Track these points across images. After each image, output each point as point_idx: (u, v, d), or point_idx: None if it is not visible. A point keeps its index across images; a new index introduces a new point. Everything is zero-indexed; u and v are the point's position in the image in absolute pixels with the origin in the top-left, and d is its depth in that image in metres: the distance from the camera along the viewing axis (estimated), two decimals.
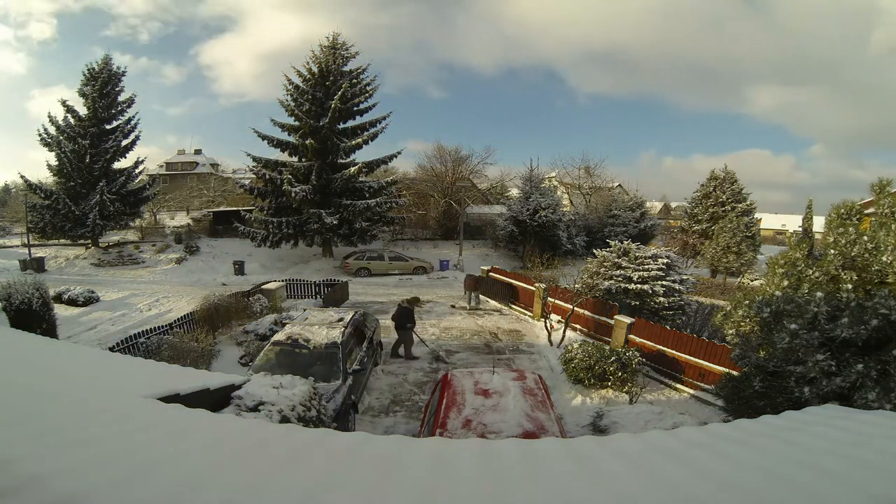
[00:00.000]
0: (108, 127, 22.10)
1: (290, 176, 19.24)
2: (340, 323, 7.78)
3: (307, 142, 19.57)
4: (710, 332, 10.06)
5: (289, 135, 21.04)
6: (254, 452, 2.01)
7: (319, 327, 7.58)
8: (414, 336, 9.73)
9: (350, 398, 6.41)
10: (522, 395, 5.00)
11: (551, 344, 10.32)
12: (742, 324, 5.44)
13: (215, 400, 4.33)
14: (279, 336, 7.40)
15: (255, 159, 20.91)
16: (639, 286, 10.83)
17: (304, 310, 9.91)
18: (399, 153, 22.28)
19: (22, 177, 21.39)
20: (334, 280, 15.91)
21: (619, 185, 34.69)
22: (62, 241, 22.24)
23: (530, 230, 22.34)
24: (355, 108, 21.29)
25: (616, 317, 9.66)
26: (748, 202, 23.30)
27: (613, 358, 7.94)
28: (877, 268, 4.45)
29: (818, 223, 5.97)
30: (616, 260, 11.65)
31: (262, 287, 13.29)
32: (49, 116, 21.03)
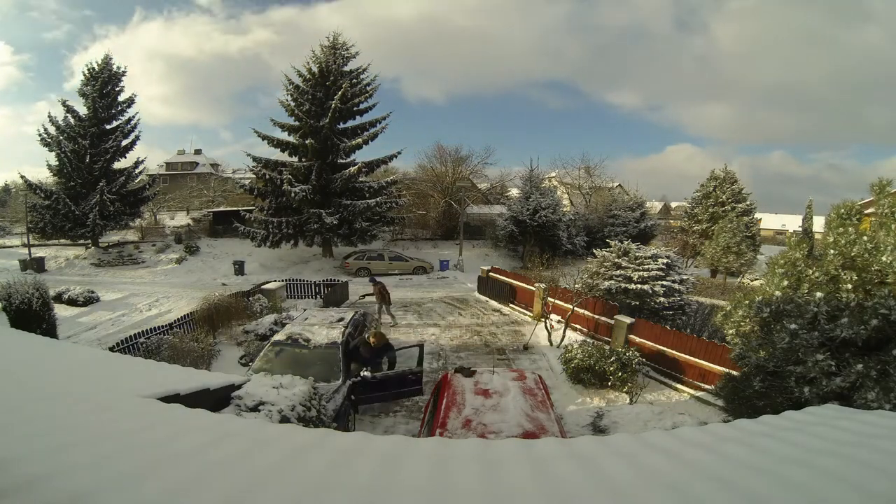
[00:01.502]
0: (108, 127, 22.12)
1: (290, 176, 19.24)
2: (340, 323, 7.78)
3: (307, 142, 19.58)
4: (710, 332, 10.05)
5: (289, 135, 21.04)
6: (254, 452, 2.02)
7: (319, 327, 7.58)
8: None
9: (350, 398, 6.40)
10: (522, 395, 5.00)
11: (551, 344, 10.32)
12: (742, 324, 5.44)
13: (215, 400, 4.33)
14: (279, 336, 7.39)
15: (255, 159, 20.91)
16: (639, 286, 10.84)
17: (304, 310, 9.90)
18: (399, 153, 22.26)
19: (22, 177, 21.42)
20: (334, 280, 15.92)
21: (619, 185, 34.69)
22: (62, 241, 22.25)
23: (530, 230, 22.33)
24: (355, 108, 21.29)
25: (616, 317, 9.66)
26: (748, 202, 23.30)
27: (613, 358, 7.94)
28: (877, 268, 4.45)
29: (818, 223, 5.97)
30: (616, 260, 11.65)
31: (262, 287, 13.30)
32: (49, 116, 21.07)
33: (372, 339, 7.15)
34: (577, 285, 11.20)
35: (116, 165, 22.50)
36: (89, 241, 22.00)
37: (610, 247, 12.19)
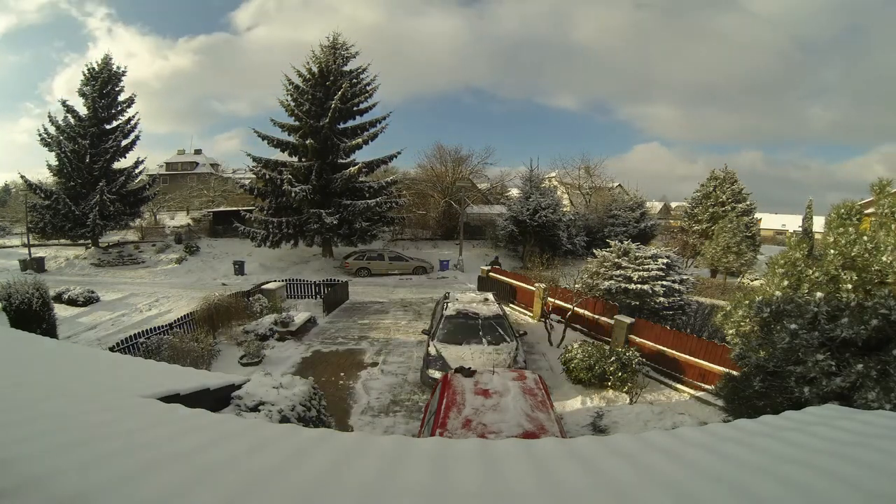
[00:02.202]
0: (108, 127, 22.11)
1: (290, 176, 19.25)
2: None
3: (307, 142, 19.57)
4: (710, 332, 10.05)
5: (289, 135, 21.04)
6: (254, 452, 2.01)
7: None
8: None
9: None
10: (522, 395, 5.00)
11: (551, 344, 10.32)
12: (742, 324, 5.44)
13: (215, 400, 4.33)
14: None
15: (255, 159, 20.91)
16: (639, 286, 10.84)
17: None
18: (399, 153, 22.27)
19: (22, 177, 21.43)
20: (334, 280, 15.92)
21: (619, 185, 34.71)
22: (62, 241, 22.26)
23: (530, 230, 22.33)
24: (355, 108, 21.30)
25: (616, 317, 9.66)
26: (748, 202, 23.30)
27: (613, 358, 7.94)
28: (877, 268, 4.44)
29: (818, 223, 5.98)
30: (616, 260, 11.65)
31: (262, 287, 13.30)
32: (49, 116, 21.08)
33: None
34: (577, 285, 11.20)
35: (116, 165, 22.50)
36: (89, 241, 22.00)
37: (610, 247, 12.19)
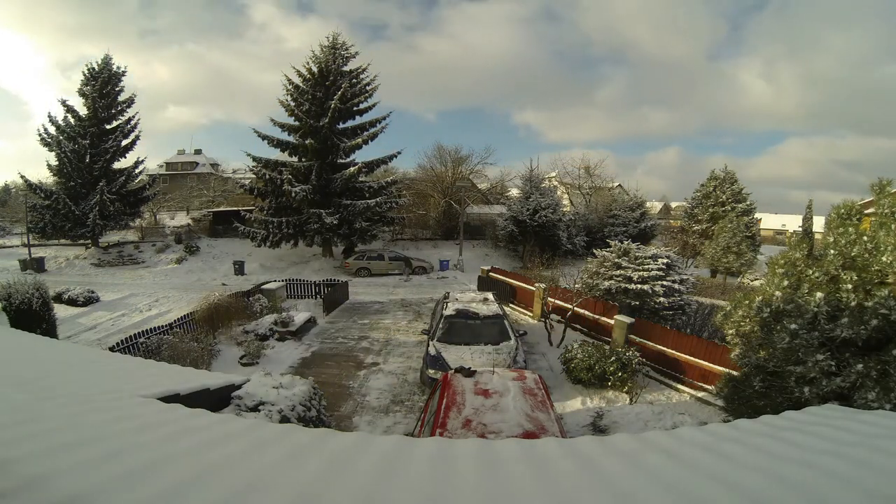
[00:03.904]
0: (108, 127, 22.13)
1: (290, 176, 19.25)
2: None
3: (307, 142, 19.58)
4: (710, 332, 10.05)
5: (289, 135, 21.05)
6: (254, 452, 2.01)
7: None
8: None
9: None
10: (522, 395, 5.00)
11: (551, 344, 10.31)
12: (742, 324, 5.43)
13: (215, 400, 4.34)
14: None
15: (255, 159, 20.90)
16: (639, 286, 10.83)
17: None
18: (399, 153, 22.29)
19: (22, 177, 21.44)
20: (334, 280, 15.91)
21: (619, 185, 34.72)
22: (62, 241, 22.27)
23: (530, 230, 22.33)
24: (355, 108, 21.30)
25: (616, 317, 9.65)
26: (748, 202, 23.30)
27: (613, 358, 7.94)
28: (877, 268, 4.44)
29: (818, 223, 5.98)
30: (616, 260, 11.65)
31: (262, 287, 13.30)
32: (49, 116, 21.11)
33: None
34: (577, 285, 11.20)
35: (116, 165, 22.51)
36: (89, 241, 22.01)
37: (610, 247, 12.19)
